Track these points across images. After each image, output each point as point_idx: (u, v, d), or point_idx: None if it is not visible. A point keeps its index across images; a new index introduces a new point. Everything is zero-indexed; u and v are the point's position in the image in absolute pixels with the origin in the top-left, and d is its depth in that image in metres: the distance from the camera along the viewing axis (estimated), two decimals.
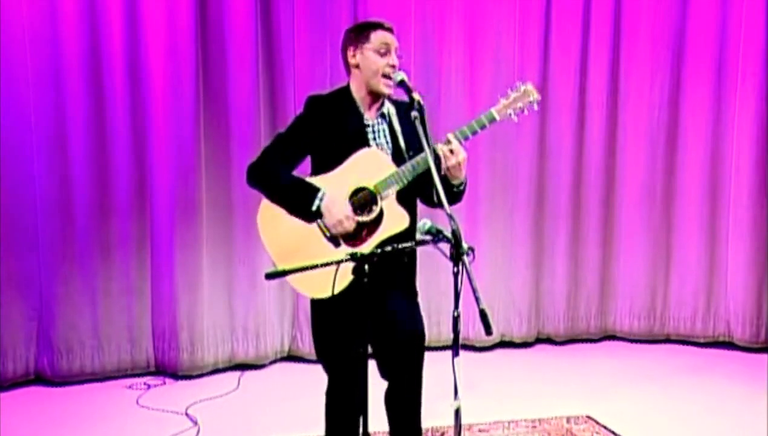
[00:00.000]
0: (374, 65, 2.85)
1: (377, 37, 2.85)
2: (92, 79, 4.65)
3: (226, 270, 4.96)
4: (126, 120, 4.73)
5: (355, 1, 5.04)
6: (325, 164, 2.87)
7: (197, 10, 4.75)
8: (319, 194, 2.79)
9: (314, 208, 2.79)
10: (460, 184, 2.84)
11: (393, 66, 2.85)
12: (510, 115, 2.88)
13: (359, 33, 2.89)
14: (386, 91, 2.87)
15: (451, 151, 2.75)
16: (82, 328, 4.74)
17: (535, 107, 2.91)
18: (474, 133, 2.82)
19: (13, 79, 4.51)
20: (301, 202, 2.81)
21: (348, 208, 2.79)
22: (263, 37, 4.92)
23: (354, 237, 2.81)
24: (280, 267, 2.70)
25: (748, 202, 5.39)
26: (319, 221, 2.81)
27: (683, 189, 5.52)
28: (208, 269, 4.89)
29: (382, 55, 2.84)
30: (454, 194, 2.85)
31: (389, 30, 2.89)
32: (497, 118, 2.86)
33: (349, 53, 2.90)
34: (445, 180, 2.78)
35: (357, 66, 2.89)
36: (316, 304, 2.90)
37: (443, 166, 2.77)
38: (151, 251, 4.84)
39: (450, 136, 2.78)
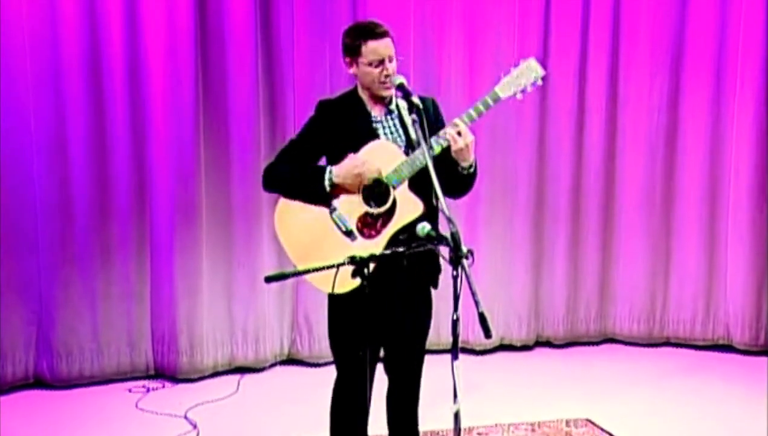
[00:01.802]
0: (369, 76, 2.87)
1: (368, 50, 2.83)
2: (92, 81, 4.64)
3: (226, 273, 4.95)
4: (126, 122, 4.72)
5: (355, 3, 5.04)
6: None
7: (197, 12, 4.74)
8: (328, 170, 2.82)
9: (327, 183, 2.80)
10: (470, 166, 2.85)
11: (388, 75, 2.84)
12: (515, 94, 2.86)
13: (352, 43, 2.88)
14: (386, 94, 2.90)
15: (459, 134, 2.75)
16: (81, 331, 4.72)
17: (539, 83, 2.87)
18: (480, 114, 2.83)
19: (13, 80, 4.50)
20: (313, 185, 2.83)
21: (354, 158, 2.80)
22: (263, 40, 4.91)
23: (369, 228, 2.82)
24: (283, 270, 2.71)
25: (748, 206, 5.38)
26: (334, 214, 2.82)
27: (682, 192, 5.50)
28: (207, 272, 4.88)
29: (376, 66, 2.84)
30: (465, 178, 2.87)
31: (381, 36, 2.85)
32: (501, 97, 2.85)
33: (345, 62, 2.93)
34: (454, 165, 2.79)
35: (355, 75, 2.92)
36: (331, 300, 2.92)
37: (452, 150, 2.77)
38: (151, 255, 4.84)
39: (456, 120, 2.80)
